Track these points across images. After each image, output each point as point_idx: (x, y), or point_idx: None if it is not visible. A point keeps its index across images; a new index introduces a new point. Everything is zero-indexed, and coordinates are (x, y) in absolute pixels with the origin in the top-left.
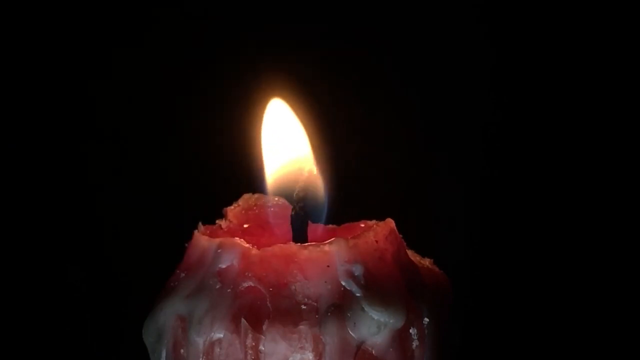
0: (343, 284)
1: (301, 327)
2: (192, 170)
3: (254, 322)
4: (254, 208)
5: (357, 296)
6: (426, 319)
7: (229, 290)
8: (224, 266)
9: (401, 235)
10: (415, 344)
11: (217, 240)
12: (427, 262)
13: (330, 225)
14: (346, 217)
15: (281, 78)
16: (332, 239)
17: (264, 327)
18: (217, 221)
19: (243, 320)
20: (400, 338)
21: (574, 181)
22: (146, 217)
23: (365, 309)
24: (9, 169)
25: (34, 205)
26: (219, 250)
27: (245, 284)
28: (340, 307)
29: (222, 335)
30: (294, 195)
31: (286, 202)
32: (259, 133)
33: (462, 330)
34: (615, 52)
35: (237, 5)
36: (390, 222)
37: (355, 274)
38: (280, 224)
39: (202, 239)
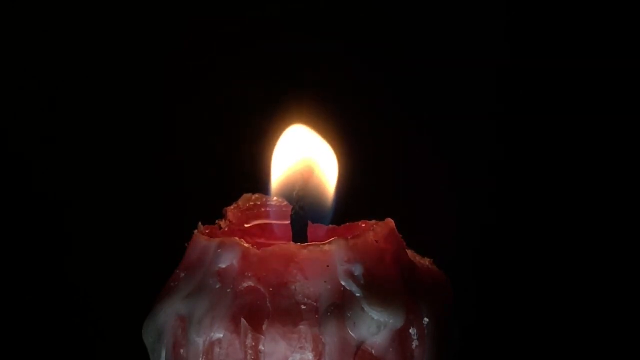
0: (343, 284)
1: (301, 327)
2: (192, 170)
3: (254, 322)
4: (254, 208)
5: (357, 296)
6: (426, 319)
7: (229, 290)
8: (223, 266)
9: (401, 235)
10: (415, 344)
11: (217, 240)
12: (427, 262)
13: (330, 225)
14: (346, 217)
15: (281, 78)
16: (332, 239)
17: (264, 327)
18: (217, 221)
19: (243, 320)
20: (400, 338)
21: (574, 180)
22: (146, 217)
23: (365, 309)
24: (9, 168)
25: (34, 205)
26: (218, 250)
27: (245, 284)
28: (340, 307)
29: (222, 336)
30: (294, 195)
31: (286, 202)
32: (269, 137)
33: (462, 330)
34: (618, 54)
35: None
36: (390, 222)
37: (355, 274)
38: (280, 224)
39: (202, 239)
